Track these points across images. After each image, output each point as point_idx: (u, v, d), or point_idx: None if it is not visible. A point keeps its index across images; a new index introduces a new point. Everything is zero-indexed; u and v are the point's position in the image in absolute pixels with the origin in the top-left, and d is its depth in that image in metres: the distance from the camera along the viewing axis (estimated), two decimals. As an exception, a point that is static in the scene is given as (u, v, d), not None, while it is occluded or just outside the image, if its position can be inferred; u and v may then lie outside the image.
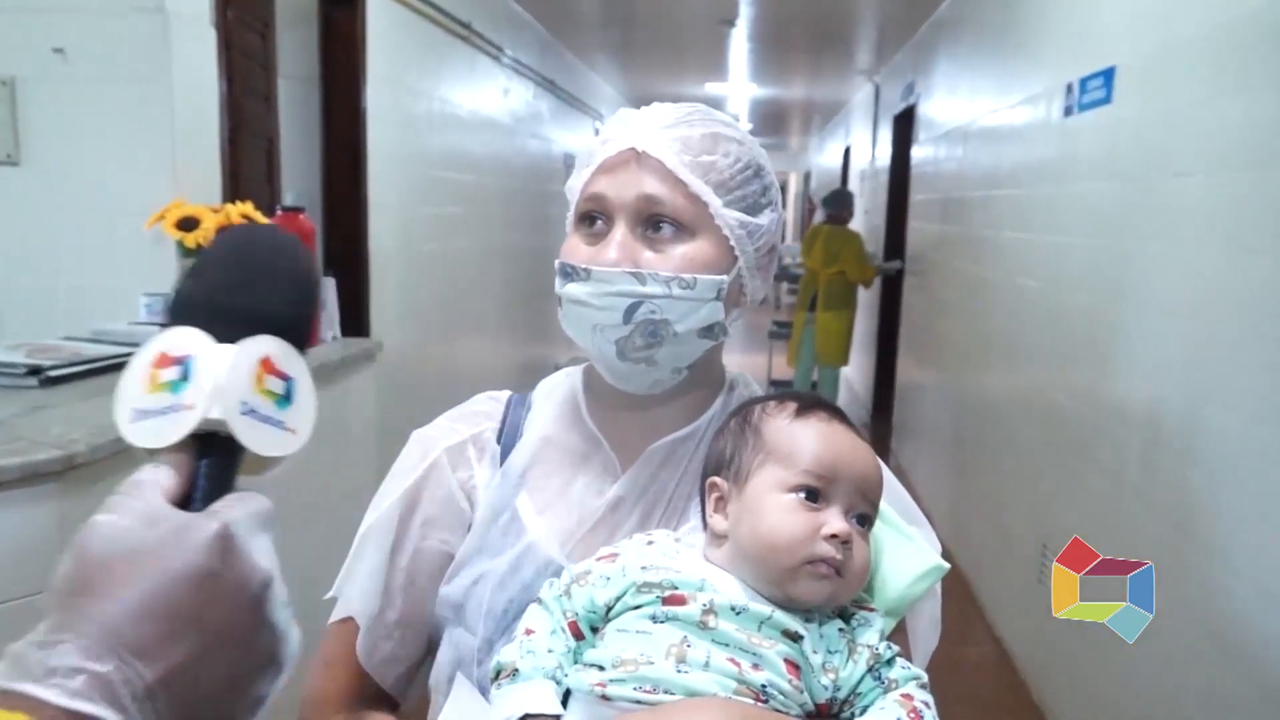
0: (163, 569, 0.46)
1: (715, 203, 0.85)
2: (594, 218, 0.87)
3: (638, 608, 0.76)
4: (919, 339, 5.75)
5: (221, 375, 0.52)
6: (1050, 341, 3.17)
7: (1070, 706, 2.83)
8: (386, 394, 2.99)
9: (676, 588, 0.76)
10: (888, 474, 0.94)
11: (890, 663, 0.77)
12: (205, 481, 0.52)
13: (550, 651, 0.76)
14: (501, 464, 0.93)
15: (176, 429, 0.51)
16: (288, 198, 3.27)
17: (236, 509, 0.50)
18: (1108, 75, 2.75)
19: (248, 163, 2.99)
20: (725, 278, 0.86)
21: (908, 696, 0.76)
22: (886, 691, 0.76)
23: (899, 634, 0.85)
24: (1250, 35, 2.02)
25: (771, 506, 0.78)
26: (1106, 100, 2.75)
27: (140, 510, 0.49)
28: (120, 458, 1.64)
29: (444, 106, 4.73)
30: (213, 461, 0.52)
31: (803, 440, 0.80)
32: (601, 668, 0.73)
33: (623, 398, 0.91)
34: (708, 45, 7.46)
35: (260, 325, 0.54)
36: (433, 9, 4.35)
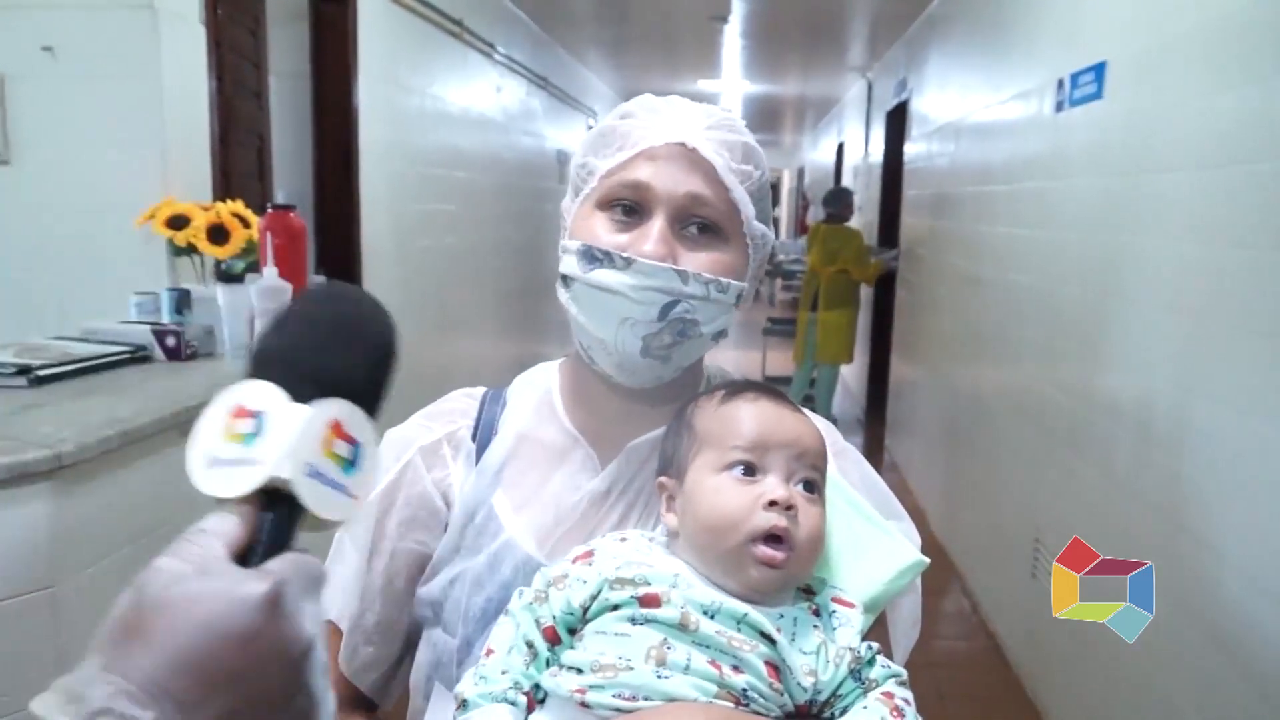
0: (211, 623, 0.47)
1: (750, 212, 0.86)
2: (627, 205, 0.85)
3: (615, 608, 0.74)
4: (911, 335, 5.75)
5: (292, 435, 0.53)
6: (1042, 336, 3.18)
7: (1063, 701, 2.83)
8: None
9: (649, 583, 0.75)
10: (866, 468, 0.94)
11: (871, 662, 0.77)
12: (266, 536, 0.52)
13: (504, 673, 0.75)
14: (477, 462, 0.92)
15: (244, 482, 0.52)
16: (279, 195, 3.25)
17: (290, 570, 0.50)
18: (1099, 70, 2.75)
19: (238, 160, 2.98)
20: (746, 285, 0.86)
21: (888, 695, 0.75)
22: (867, 691, 0.75)
23: (879, 628, 0.85)
24: (1240, 30, 2.03)
25: (708, 488, 0.78)
26: (1098, 95, 2.76)
27: (199, 558, 0.49)
28: (110, 457, 1.63)
29: (436, 103, 4.72)
30: (276, 516, 0.53)
31: (729, 420, 0.81)
32: (580, 670, 0.72)
33: (601, 393, 0.90)
34: (700, 41, 7.45)
35: (335, 387, 0.56)
36: (425, 6, 4.34)
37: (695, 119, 0.86)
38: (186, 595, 0.48)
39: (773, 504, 0.76)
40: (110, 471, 1.65)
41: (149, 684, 0.45)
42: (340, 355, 0.58)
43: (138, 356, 2.18)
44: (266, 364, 0.57)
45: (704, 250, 0.84)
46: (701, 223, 0.84)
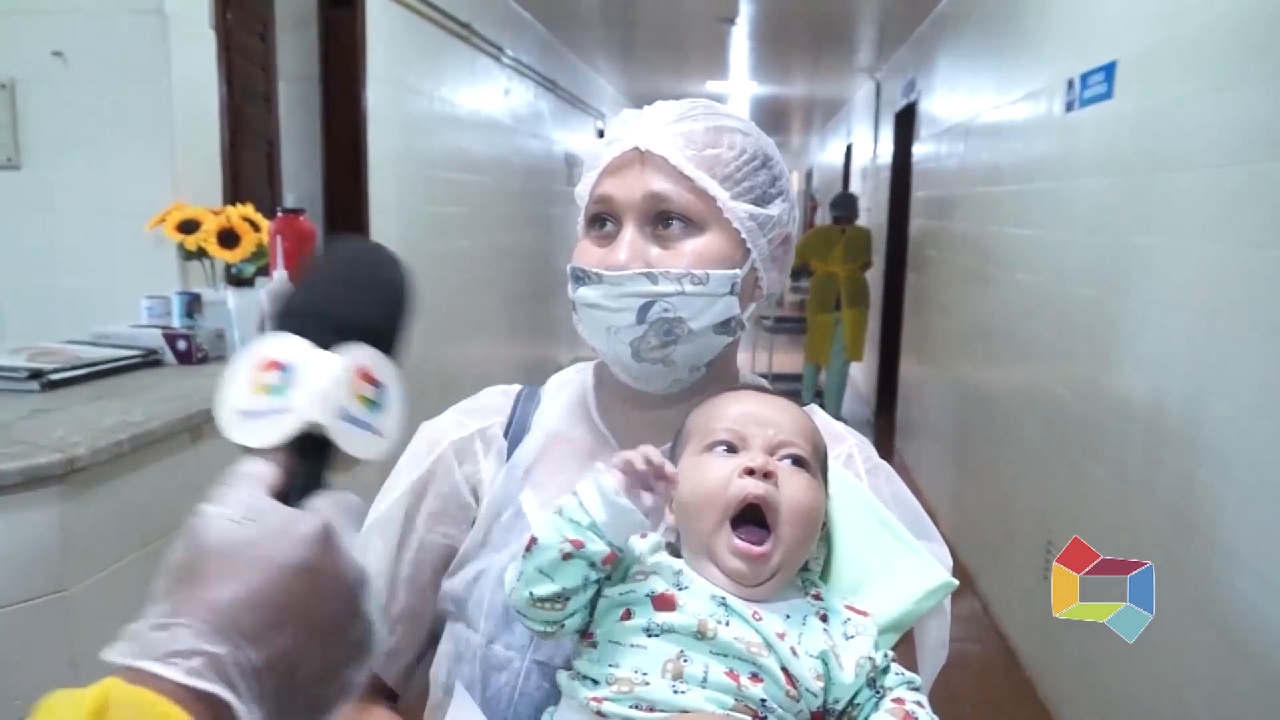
0: (270, 562, 0.49)
1: (722, 196, 0.85)
2: (603, 219, 0.87)
3: (629, 615, 0.74)
4: (921, 335, 5.74)
5: (323, 382, 0.55)
6: (1052, 336, 3.16)
7: (1076, 703, 2.82)
8: (389, 395, 2.98)
9: (658, 572, 0.75)
10: (899, 486, 0.92)
11: (886, 670, 0.76)
12: (302, 478, 0.54)
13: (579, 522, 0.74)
14: (508, 459, 0.92)
15: (280, 430, 0.54)
16: (288, 199, 3.26)
17: (332, 507, 0.53)
18: (1109, 70, 2.74)
19: (248, 164, 2.99)
20: (739, 272, 0.85)
21: (899, 701, 0.74)
22: (881, 700, 0.74)
23: (905, 647, 0.83)
24: (1250, 28, 2.02)
25: (689, 468, 0.79)
26: (1108, 95, 2.74)
27: (246, 503, 0.51)
28: (121, 461, 1.64)
29: (444, 107, 4.72)
30: (309, 460, 0.55)
31: (715, 408, 0.82)
32: (596, 682, 0.72)
33: (634, 397, 0.90)
34: (708, 43, 7.45)
35: (356, 333, 0.58)
36: (433, 9, 4.34)
37: (656, 119, 0.87)
38: (245, 537, 0.50)
39: (750, 472, 0.75)
40: (122, 475, 1.65)
41: (219, 621, 0.48)
42: (359, 303, 0.61)
43: (149, 360, 2.19)
44: (289, 318, 0.59)
45: (682, 244, 0.84)
46: (674, 218, 0.84)
